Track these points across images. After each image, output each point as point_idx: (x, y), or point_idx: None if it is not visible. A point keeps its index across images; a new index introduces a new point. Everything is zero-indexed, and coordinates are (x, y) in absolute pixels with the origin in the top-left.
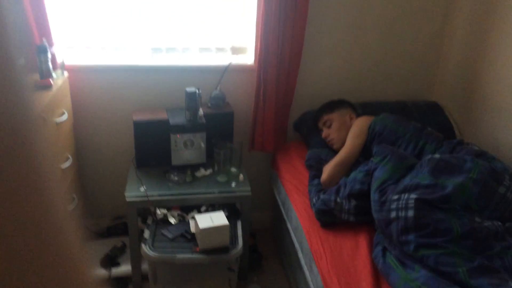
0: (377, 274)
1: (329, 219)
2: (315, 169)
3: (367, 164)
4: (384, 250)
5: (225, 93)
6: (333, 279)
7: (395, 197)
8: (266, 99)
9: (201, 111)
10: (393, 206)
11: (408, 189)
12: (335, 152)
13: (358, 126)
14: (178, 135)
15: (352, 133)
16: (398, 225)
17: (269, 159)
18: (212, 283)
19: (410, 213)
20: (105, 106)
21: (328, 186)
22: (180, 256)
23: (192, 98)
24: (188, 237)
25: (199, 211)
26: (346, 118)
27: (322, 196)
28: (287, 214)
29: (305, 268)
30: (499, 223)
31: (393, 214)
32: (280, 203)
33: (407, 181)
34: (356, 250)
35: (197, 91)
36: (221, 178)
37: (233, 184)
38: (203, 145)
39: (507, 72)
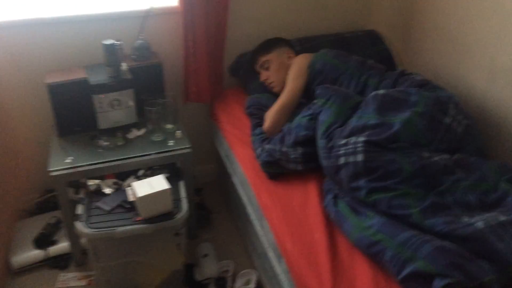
0: (330, 224)
1: (276, 170)
2: (256, 117)
3: (311, 108)
4: (335, 197)
5: (150, 42)
6: (285, 233)
7: (343, 141)
8: (196, 44)
9: (124, 65)
10: (341, 151)
11: (355, 132)
12: (276, 96)
13: (298, 66)
14: (102, 95)
15: (291, 74)
16: (347, 171)
17: (208, 110)
18: (161, 251)
19: (359, 157)
20: (13, 70)
21: (272, 134)
22: (121, 229)
23: (111, 52)
24: (127, 207)
25: (137, 177)
26: (284, 58)
27: (266, 147)
28: (232, 168)
29: (255, 222)
30: (447, 156)
31: (342, 160)
32: (223, 157)
33: (353, 122)
34: (307, 200)
35: (116, 43)
36: (156, 138)
37: (171, 142)
38: (131, 103)
39: None
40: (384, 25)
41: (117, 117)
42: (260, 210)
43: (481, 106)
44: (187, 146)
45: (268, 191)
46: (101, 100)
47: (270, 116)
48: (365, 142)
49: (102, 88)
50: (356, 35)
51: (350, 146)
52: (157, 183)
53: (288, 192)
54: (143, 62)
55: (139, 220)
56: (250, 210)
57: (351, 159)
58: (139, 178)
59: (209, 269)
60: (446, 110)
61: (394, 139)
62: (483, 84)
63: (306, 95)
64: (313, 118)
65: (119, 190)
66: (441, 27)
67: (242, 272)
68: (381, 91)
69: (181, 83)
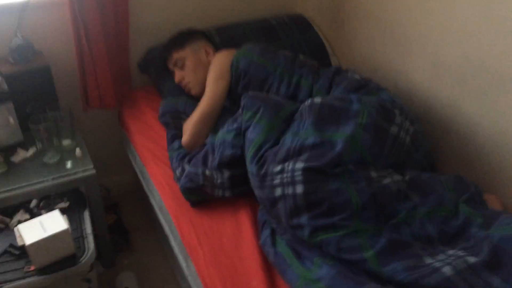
0: (269, 267)
1: (199, 197)
2: (173, 126)
3: (236, 120)
4: (273, 234)
5: (32, 40)
6: (215, 280)
7: (278, 168)
8: (90, 39)
9: None
10: (277, 181)
11: (291, 155)
12: (194, 99)
13: (218, 66)
14: None
15: (211, 76)
16: (285, 205)
17: (117, 115)
18: None
19: (299, 188)
20: None
21: (193, 148)
22: (10, 285)
23: None
24: (16, 253)
25: (28, 210)
26: (202, 54)
27: (187, 169)
28: (148, 188)
29: (180, 259)
30: (399, 177)
31: (278, 192)
32: (138, 173)
33: (288, 141)
34: (239, 235)
35: None
36: (49, 159)
37: (69, 164)
38: (12, 120)
39: None
40: (312, 7)
41: None
42: (184, 249)
43: (425, 105)
44: (90, 167)
45: (192, 224)
46: None
47: (189, 128)
48: (304, 169)
49: None
50: (283, 21)
51: (287, 175)
52: (52, 223)
53: (216, 225)
54: (25, 66)
55: (33, 270)
56: (173, 243)
57: (289, 190)
58: (31, 212)
59: None
60: (392, 117)
61: (338, 162)
62: (426, 81)
63: (231, 98)
64: (240, 133)
65: (5, 229)
66: (376, 16)
67: None
68: (318, 100)
69: (78, 87)
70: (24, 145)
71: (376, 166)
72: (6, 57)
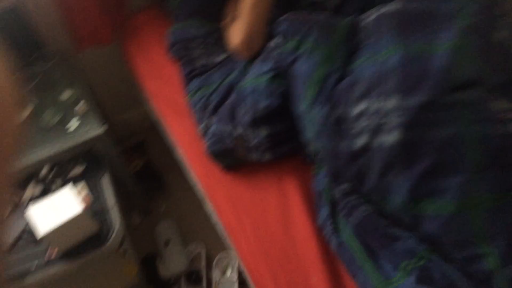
0: (332, 256)
1: (233, 161)
2: (187, 60)
3: (269, 57)
4: (334, 212)
5: None
6: (264, 274)
7: (358, 108)
8: None
9: None
10: (358, 127)
11: (375, 85)
12: (212, 22)
13: None
14: None
15: None
16: (371, 160)
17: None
18: (100, 277)
19: (393, 136)
20: None
21: (250, 53)
22: (32, 276)
23: None
24: (34, 237)
25: (40, 181)
26: None
27: (213, 125)
28: (172, 145)
29: (219, 230)
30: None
31: (361, 141)
32: (159, 122)
33: (365, 69)
34: (288, 211)
35: None
36: (49, 120)
37: (72, 124)
38: None
39: None
40: None
41: None
42: (222, 227)
43: None
44: (98, 125)
45: (228, 196)
46: None
47: (241, 24)
48: (400, 110)
49: None
50: None
51: (374, 118)
52: (64, 204)
53: (258, 198)
54: None
55: (55, 257)
56: (209, 210)
57: (379, 139)
58: (43, 181)
59: (175, 262)
60: (495, 19)
61: (446, 85)
62: None
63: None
64: (278, 74)
65: (19, 207)
66: None
67: (218, 257)
68: (392, 6)
69: (66, 24)
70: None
71: (485, 86)
72: None
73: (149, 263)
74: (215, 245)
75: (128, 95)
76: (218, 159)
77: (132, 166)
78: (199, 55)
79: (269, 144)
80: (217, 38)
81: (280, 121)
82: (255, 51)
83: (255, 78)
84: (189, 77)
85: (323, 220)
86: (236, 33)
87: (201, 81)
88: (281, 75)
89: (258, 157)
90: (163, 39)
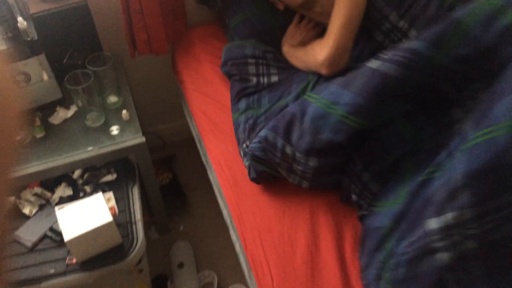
0: None
1: (269, 169)
2: (238, 78)
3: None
4: (380, 276)
5: None
6: None
7: None
8: None
9: (21, 21)
10: None
11: None
12: (271, 42)
13: None
14: None
15: None
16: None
17: (170, 59)
18: None
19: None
20: None
21: (337, 68)
22: (49, 282)
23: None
24: (57, 239)
25: (71, 184)
26: None
27: (263, 132)
28: (206, 162)
29: (243, 266)
30: None
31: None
32: (195, 139)
33: None
34: (319, 258)
35: None
36: (92, 122)
37: (114, 129)
38: (46, 76)
39: None
40: None
41: (30, 96)
42: (245, 256)
43: None
44: (138, 134)
45: (256, 226)
46: None
47: (331, 37)
48: None
49: None
50: None
51: None
52: (95, 211)
53: (287, 235)
54: (59, 4)
55: (75, 263)
56: (234, 238)
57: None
58: (74, 184)
59: (186, 287)
60: None
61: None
62: None
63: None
64: (360, 112)
65: (47, 206)
66: None
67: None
68: None
69: (123, 30)
70: (64, 103)
71: None
72: None
73: (160, 284)
74: (228, 275)
75: (165, 108)
76: (255, 163)
77: (159, 180)
78: (252, 75)
79: (312, 173)
80: (271, 60)
81: (332, 156)
82: (340, 68)
83: (328, 103)
84: (239, 95)
85: (369, 280)
86: (323, 49)
87: (250, 102)
88: (362, 113)
89: (297, 182)
90: (214, 56)
